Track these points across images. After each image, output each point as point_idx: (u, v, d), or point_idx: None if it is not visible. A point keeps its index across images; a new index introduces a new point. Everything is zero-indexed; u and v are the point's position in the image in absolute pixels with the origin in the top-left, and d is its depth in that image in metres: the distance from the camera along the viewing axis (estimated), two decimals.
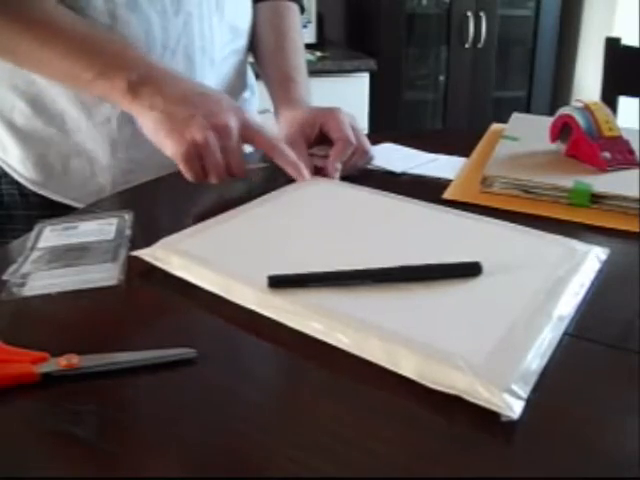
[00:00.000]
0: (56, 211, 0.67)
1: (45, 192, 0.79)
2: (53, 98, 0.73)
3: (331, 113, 0.70)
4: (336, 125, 0.69)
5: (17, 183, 0.79)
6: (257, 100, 0.96)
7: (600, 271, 0.51)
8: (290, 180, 0.65)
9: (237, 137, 0.61)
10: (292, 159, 0.65)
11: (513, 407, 0.35)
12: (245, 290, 0.46)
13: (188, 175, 0.61)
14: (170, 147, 0.59)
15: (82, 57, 0.63)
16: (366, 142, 0.71)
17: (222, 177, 0.62)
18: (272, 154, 0.65)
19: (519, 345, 0.40)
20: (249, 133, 0.63)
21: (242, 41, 0.86)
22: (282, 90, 0.80)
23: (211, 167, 0.61)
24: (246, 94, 0.92)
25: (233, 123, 0.61)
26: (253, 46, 0.88)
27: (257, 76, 0.93)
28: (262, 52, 0.86)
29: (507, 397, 0.36)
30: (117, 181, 0.77)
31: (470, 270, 0.48)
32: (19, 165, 0.78)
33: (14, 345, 0.40)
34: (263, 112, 0.94)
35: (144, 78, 0.61)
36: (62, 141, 0.76)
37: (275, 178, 0.65)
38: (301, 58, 0.85)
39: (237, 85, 0.89)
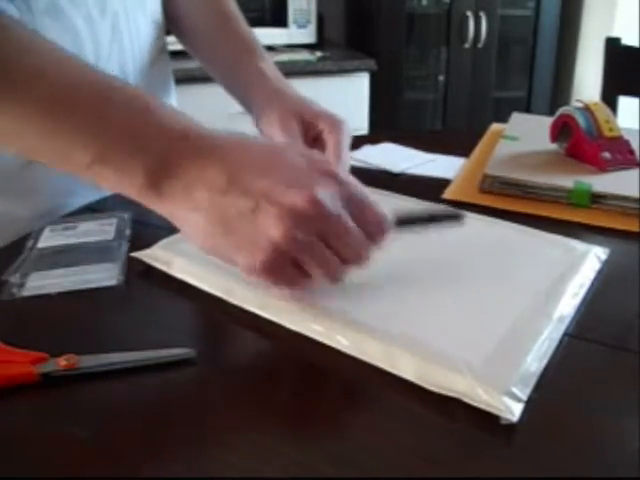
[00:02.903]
0: None
1: None
2: None
3: (334, 128, 0.58)
4: (333, 151, 0.57)
5: None
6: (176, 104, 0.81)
7: (600, 271, 0.51)
8: None
9: (342, 210, 0.40)
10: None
11: (513, 410, 0.35)
12: (245, 292, 0.46)
13: (277, 286, 0.42)
14: (242, 263, 0.40)
15: (64, 126, 0.40)
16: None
17: (339, 274, 0.42)
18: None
19: (519, 347, 0.40)
20: (356, 202, 0.41)
21: (164, 38, 0.75)
22: (252, 70, 0.65)
23: (315, 269, 0.41)
24: (173, 100, 0.81)
25: (330, 188, 0.39)
26: (188, 38, 0.75)
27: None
28: (203, 39, 0.73)
29: (507, 400, 0.36)
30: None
31: (453, 218, 0.50)
32: None
33: (14, 345, 0.40)
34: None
35: (167, 159, 0.40)
36: None
37: None
38: (252, 34, 0.71)
39: (166, 89, 0.78)
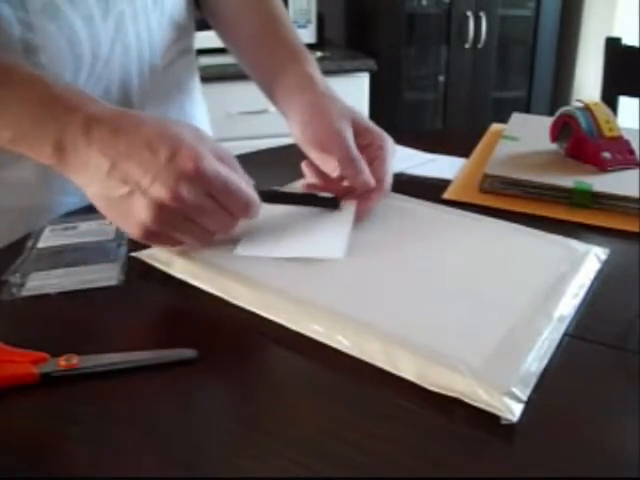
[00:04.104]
0: None
1: None
2: None
3: (384, 144, 0.60)
4: (383, 167, 0.59)
5: None
6: (199, 105, 0.84)
7: (600, 271, 0.51)
8: (296, 177, 0.65)
9: (217, 172, 0.45)
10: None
11: (513, 410, 0.35)
12: (246, 292, 0.46)
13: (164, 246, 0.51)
14: (125, 231, 0.49)
15: None
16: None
17: (211, 236, 0.49)
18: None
19: (519, 347, 0.40)
20: (218, 193, 0.46)
21: (189, 39, 0.76)
22: (293, 73, 0.64)
23: (187, 238, 0.48)
24: (197, 95, 0.81)
25: (203, 158, 0.44)
26: (231, 37, 0.74)
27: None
28: (246, 40, 0.72)
29: (507, 400, 0.36)
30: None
31: (329, 203, 0.56)
32: None
33: (14, 345, 0.40)
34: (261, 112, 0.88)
35: (62, 138, 0.46)
36: None
37: (279, 175, 0.65)
38: (299, 37, 0.70)
39: (188, 87, 0.79)
